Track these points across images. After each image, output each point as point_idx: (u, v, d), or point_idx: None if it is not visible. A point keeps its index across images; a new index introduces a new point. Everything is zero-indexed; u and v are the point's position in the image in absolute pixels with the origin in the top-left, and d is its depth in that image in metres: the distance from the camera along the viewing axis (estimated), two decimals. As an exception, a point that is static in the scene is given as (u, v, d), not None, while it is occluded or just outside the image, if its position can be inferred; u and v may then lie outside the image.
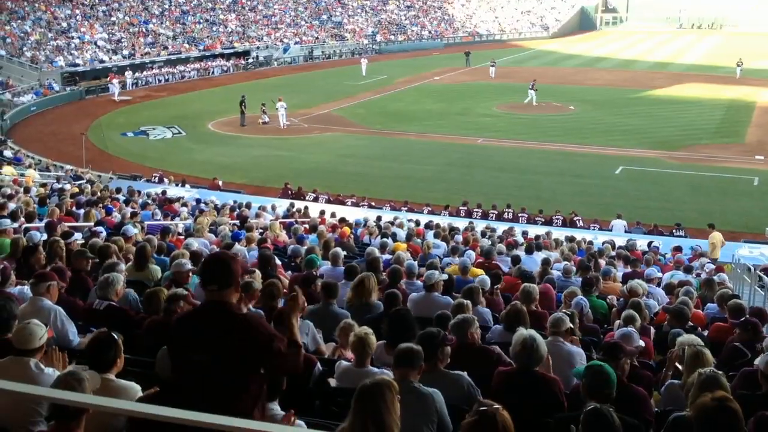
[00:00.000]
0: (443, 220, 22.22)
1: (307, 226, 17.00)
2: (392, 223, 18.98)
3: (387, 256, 12.60)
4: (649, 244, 19.68)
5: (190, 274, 8.81)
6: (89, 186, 22.64)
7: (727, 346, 7.64)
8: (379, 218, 20.01)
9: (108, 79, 52.66)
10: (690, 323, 8.73)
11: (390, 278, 9.53)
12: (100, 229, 12.58)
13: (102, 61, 56.25)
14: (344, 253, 12.05)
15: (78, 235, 11.26)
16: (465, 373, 5.81)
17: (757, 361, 6.23)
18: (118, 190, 22.02)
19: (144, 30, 64.25)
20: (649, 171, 32.79)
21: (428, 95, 53.11)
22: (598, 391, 4.94)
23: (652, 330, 8.95)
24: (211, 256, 4.71)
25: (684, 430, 4.63)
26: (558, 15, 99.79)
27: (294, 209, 21.78)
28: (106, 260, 9.10)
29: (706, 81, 57.80)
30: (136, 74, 56.39)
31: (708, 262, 16.33)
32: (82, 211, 15.75)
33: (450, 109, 47.71)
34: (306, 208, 22.20)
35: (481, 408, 4.02)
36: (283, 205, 23.08)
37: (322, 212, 20.87)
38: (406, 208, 25.51)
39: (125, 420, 4.57)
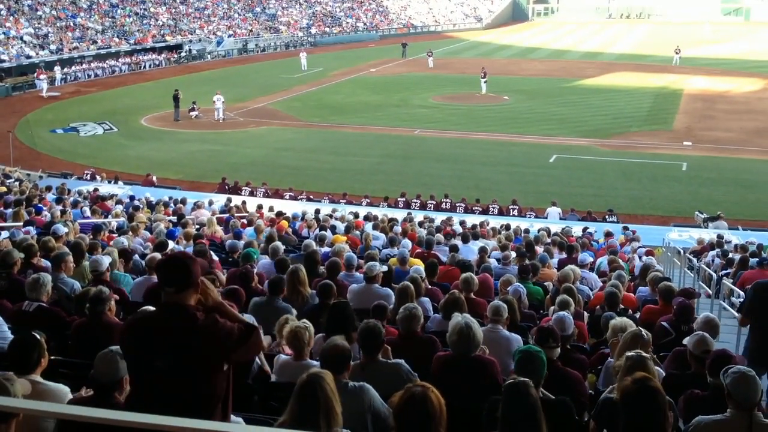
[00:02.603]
0: (382, 212, 22.27)
1: (244, 220, 16.84)
2: (331, 216, 18.95)
3: (326, 249, 12.56)
4: (584, 230, 20.09)
5: (109, 270, 8.60)
6: (18, 185, 21.96)
7: (655, 327, 7.86)
8: (317, 211, 19.94)
9: (35, 75, 51.14)
10: (622, 306, 8.96)
11: (328, 270, 9.51)
12: (29, 228, 12.23)
13: (29, 57, 54.53)
14: (284, 247, 11.96)
15: (5, 234, 10.91)
16: (403, 361, 5.84)
17: (685, 341, 6.43)
18: (48, 189, 21.43)
19: (72, 24, 62.50)
20: (581, 159, 33.45)
21: (365, 87, 53.10)
22: (526, 374, 5.02)
23: (586, 314, 9.16)
24: (168, 257, 4.55)
25: (613, 411, 4.74)
26: (491, 6, 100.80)
27: (232, 204, 21.53)
28: (31, 259, 8.90)
29: (635, 70, 59.26)
30: (65, 69, 54.83)
31: (639, 246, 16.76)
32: (10, 211, 15.29)
33: (387, 100, 47.80)
34: (244, 202, 21.99)
35: (410, 387, 4.05)
36: (220, 200, 22.79)
37: (260, 206, 20.67)
38: (344, 201, 25.49)
39: (54, 423, 4.46)
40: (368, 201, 25.72)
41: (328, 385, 4.22)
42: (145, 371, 4.06)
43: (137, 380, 4.18)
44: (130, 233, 13.26)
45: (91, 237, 11.93)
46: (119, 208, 18.98)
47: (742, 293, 11.73)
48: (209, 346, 4.00)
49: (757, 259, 13.82)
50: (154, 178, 28.01)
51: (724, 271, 14.72)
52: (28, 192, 19.64)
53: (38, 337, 5.07)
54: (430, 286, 9.78)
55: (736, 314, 10.50)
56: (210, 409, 4.01)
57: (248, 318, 7.26)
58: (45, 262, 9.26)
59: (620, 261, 13.45)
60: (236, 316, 4.27)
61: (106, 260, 8.62)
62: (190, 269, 4.11)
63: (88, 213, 17.23)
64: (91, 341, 5.80)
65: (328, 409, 4.13)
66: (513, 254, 12.78)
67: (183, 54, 67.08)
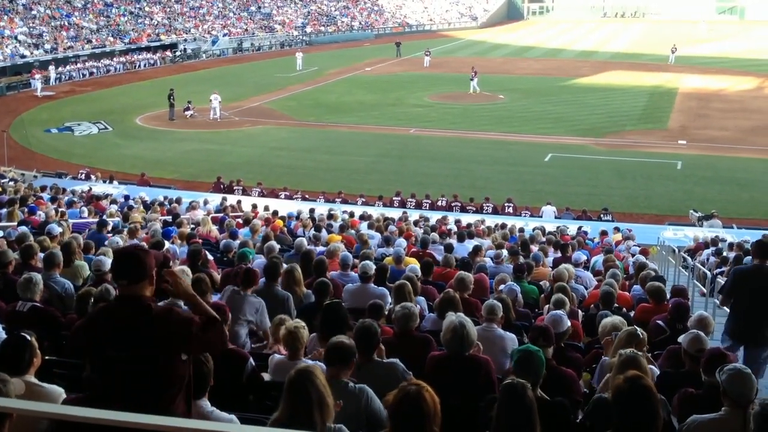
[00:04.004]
0: (377, 211, 22.25)
1: (239, 220, 16.81)
2: (326, 215, 18.93)
3: (321, 248, 12.54)
4: (579, 229, 20.11)
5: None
6: (12, 185, 21.91)
7: (650, 324, 7.89)
8: (312, 210, 19.93)
9: (30, 74, 51.04)
10: (616, 305, 8.98)
11: (315, 269, 9.45)
12: (23, 228, 12.18)
13: (23, 56, 54.36)
14: (279, 246, 11.95)
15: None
16: (398, 361, 5.84)
17: (680, 339, 6.44)
18: (43, 189, 21.39)
19: (66, 23, 62.34)
20: (577, 158, 33.45)
21: (360, 86, 53.06)
22: (525, 374, 5.02)
23: (580, 313, 9.17)
24: (121, 250, 4.62)
25: (605, 410, 4.73)
26: (486, 5, 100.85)
27: (227, 203, 21.50)
28: (28, 260, 8.86)
29: (629, 69, 59.31)
30: (60, 69, 54.69)
31: (634, 245, 16.79)
32: (4, 211, 15.25)
33: (382, 99, 47.77)
34: (239, 202, 21.96)
35: (404, 385, 4.05)
36: (215, 199, 22.76)
37: (255, 206, 20.65)
38: (340, 200, 25.48)
39: (47, 423, 4.44)
40: (363, 200, 25.70)
41: (318, 379, 4.23)
42: (101, 362, 4.09)
43: (95, 372, 4.20)
44: (126, 234, 13.21)
45: (97, 231, 12.00)
46: (114, 207, 18.95)
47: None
48: (163, 335, 4.02)
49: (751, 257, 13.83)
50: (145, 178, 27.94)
51: (718, 270, 14.76)
52: (22, 192, 19.60)
53: (29, 337, 5.03)
54: (425, 285, 9.78)
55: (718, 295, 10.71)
56: (169, 398, 4.04)
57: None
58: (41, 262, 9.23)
59: (615, 260, 13.47)
60: (205, 309, 4.28)
61: (108, 261, 8.64)
62: (142, 261, 4.16)
63: (85, 213, 17.22)
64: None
65: (321, 402, 4.15)
66: (507, 253, 12.79)
67: (178, 53, 66.96)
